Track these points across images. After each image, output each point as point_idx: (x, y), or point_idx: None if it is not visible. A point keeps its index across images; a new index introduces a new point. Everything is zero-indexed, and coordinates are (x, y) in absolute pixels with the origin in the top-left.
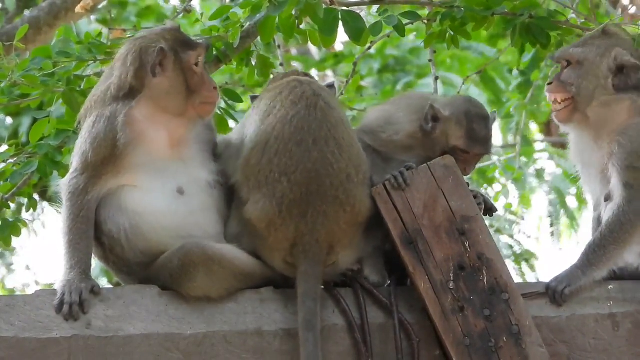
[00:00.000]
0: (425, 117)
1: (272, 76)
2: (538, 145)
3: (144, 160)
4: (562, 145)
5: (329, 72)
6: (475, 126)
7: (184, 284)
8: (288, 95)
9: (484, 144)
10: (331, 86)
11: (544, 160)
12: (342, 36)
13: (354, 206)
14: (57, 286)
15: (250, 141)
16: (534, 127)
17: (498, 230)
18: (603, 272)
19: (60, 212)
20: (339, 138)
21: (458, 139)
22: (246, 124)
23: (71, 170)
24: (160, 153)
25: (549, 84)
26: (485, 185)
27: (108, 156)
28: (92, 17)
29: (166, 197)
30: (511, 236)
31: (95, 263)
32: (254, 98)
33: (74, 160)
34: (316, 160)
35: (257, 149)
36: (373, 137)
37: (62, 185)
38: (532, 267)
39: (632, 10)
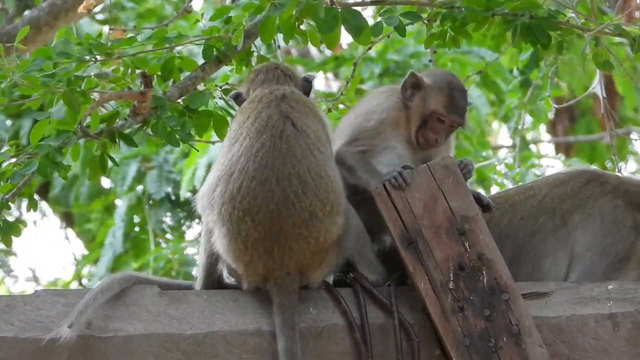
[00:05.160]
0: (404, 85)
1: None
2: (544, 146)
3: None
4: (567, 148)
5: (330, 75)
6: (455, 95)
7: None
8: (254, 121)
9: (461, 114)
10: (308, 80)
11: (548, 167)
12: (346, 37)
13: (317, 238)
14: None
15: (217, 168)
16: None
17: None
18: None
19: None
20: (304, 174)
21: (438, 103)
22: (226, 138)
23: None
24: None
25: None
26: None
27: None
28: (95, 17)
29: None
30: None
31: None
32: (237, 96)
33: None
34: (279, 200)
35: (222, 179)
36: (361, 135)
37: None
38: None
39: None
